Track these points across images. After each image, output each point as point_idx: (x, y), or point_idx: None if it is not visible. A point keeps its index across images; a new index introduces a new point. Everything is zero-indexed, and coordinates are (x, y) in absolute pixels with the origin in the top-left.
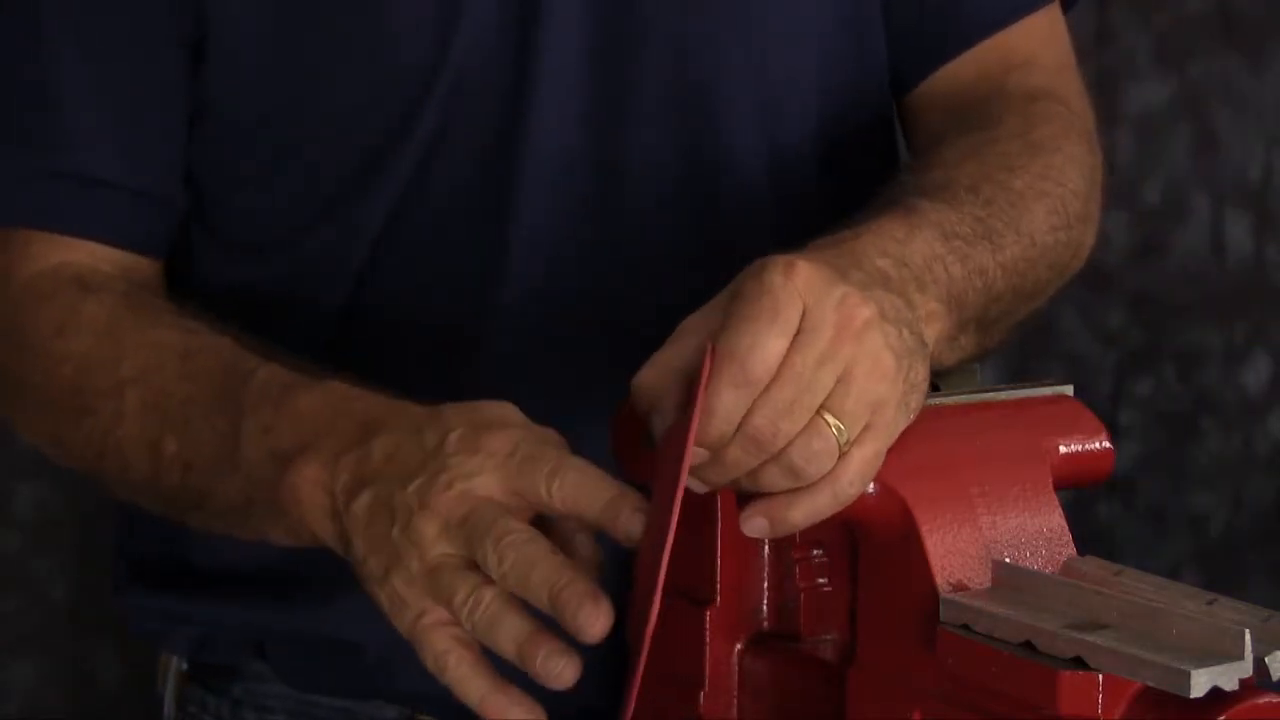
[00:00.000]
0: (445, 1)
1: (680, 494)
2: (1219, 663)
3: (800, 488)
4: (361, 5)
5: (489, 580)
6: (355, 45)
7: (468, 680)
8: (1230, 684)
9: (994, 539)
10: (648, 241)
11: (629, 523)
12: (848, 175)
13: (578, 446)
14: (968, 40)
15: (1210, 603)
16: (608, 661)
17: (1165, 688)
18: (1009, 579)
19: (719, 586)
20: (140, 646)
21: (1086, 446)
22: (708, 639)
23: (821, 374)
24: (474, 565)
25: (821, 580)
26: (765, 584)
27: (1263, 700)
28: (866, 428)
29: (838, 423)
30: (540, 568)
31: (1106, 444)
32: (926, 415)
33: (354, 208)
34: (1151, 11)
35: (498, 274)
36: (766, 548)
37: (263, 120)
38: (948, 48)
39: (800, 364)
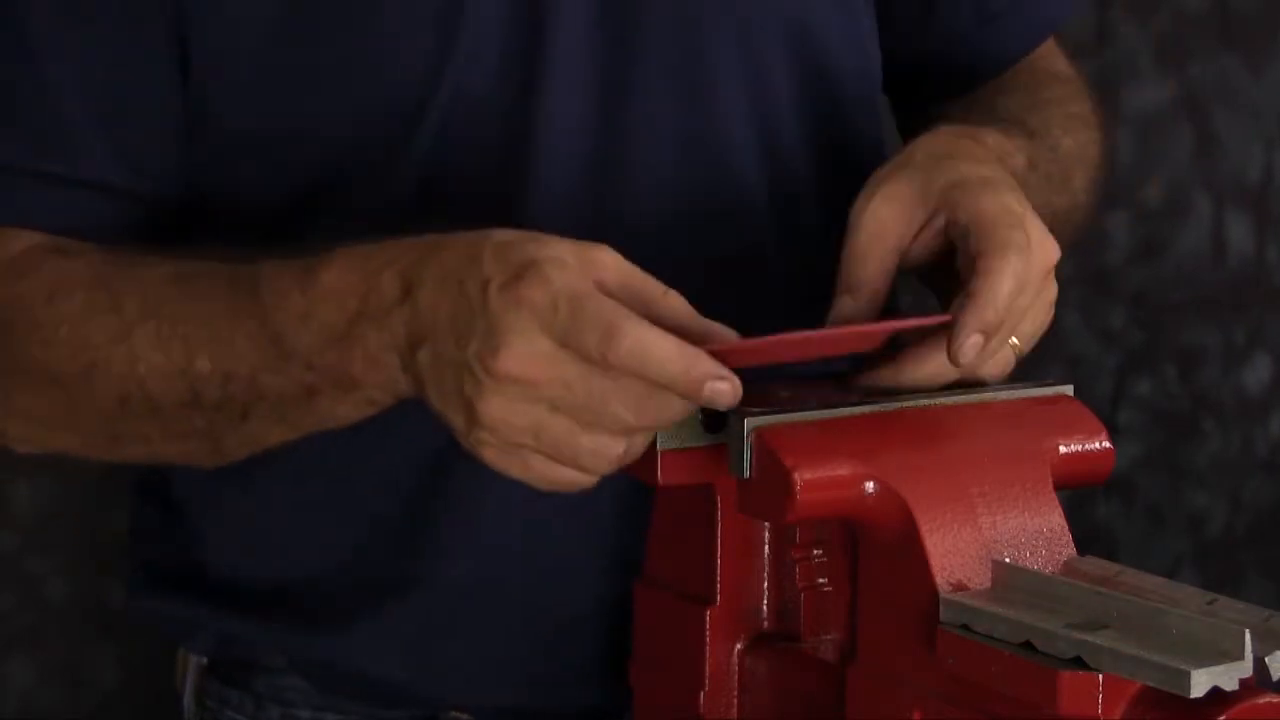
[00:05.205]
0: (446, 3)
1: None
2: (1219, 663)
3: None
4: (360, 10)
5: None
6: (354, 50)
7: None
8: (1230, 684)
9: (994, 539)
10: (648, 243)
11: (712, 394)
12: (836, 156)
13: None
14: (997, 69)
15: (1210, 603)
16: (608, 661)
17: (1165, 688)
18: (1009, 579)
19: (719, 586)
20: (138, 646)
21: (1086, 446)
22: (708, 639)
23: (1023, 319)
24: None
25: (821, 580)
26: (765, 584)
27: (1263, 700)
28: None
29: (1016, 342)
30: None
31: (1107, 444)
32: (926, 415)
33: (361, 207)
34: (1151, 12)
35: None
36: (766, 548)
37: (263, 128)
38: (976, 78)
39: (1019, 305)
